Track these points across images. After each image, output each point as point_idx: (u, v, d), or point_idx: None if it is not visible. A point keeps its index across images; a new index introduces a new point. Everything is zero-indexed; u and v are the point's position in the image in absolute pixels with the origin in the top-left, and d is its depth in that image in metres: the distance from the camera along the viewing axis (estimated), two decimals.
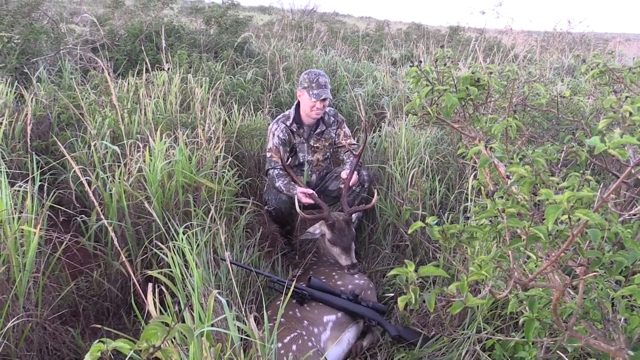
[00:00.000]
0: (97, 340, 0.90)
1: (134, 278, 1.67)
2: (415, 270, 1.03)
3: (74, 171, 1.85)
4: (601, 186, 1.26)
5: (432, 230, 1.15)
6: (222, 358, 1.55)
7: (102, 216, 1.86)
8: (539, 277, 1.15)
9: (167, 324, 0.86)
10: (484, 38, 8.84)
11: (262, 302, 2.19)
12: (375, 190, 3.29)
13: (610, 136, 0.95)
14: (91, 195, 1.83)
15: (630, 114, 1.11)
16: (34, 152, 2.93)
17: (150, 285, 1.50)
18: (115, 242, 1.64)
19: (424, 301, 2.77)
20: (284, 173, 3.36)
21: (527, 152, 1.24)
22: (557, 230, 1.02)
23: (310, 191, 3.21)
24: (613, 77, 1.82)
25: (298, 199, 3.12)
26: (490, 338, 2.01)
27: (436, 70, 1.69)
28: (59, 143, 2.11)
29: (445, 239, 1.14)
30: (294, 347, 2.25)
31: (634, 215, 1.57)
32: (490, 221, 1.17)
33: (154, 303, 1.54)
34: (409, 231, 1.24)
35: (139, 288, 1.69)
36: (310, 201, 3.17)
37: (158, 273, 2.10)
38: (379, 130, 4.32)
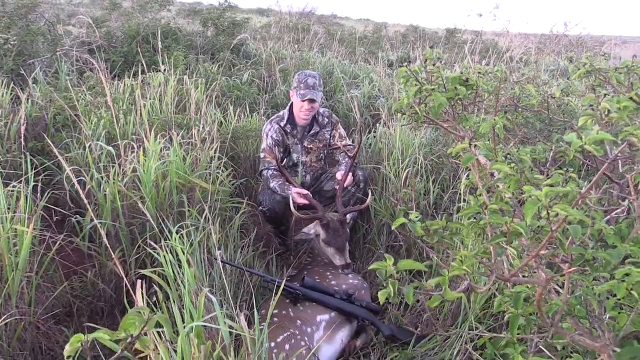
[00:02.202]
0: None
1: (126, 278, 1.68)
2: (395, 265, 1.05)
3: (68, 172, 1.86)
4: (586, 184, 1.28)
5: (414, 226, 1.17)
6: (212, 356, 1.56)
7: (93, 216, 1.87)
8: (522, 272, 1.16)
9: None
10: (481, 40, 8.86)
11: (254, 302, 2.20)
12: (370, 191, 3.30)
13: (587, 132, 0.96)
14: (83, 195, 1.84)
15: (609, 111, 1.13)
16: (28, 153, 2.94)
17: (139, 282, 1.51)
18: (106, 241, 1.65)
19: (417, 300, 2.79)
20: (278, 174, 3.37)
21: (512, 150, 1.26)
22: (539, 226, 1.04)
23: (305, 191, 3.22)
24: (600, 77, 1.84)
25: (292, 199, 3.13)
26: (482, 336, 2.02)
27: (425, 70, 1.70)
28: (51, 144, 2.11)
29: (428, 235, 1.15)
30: (286, 346, 2.26)
31: (622, 213, 1.58)
32: (475, 218, 1.18)
33: (145, 300, 1.54)
34: (393, 226, 1.25)
35: (131, 288, 1.70)
36: (305, 201, 3.19)
37: (151, 272, 2.11)
38: (374, 131, 4.34)
